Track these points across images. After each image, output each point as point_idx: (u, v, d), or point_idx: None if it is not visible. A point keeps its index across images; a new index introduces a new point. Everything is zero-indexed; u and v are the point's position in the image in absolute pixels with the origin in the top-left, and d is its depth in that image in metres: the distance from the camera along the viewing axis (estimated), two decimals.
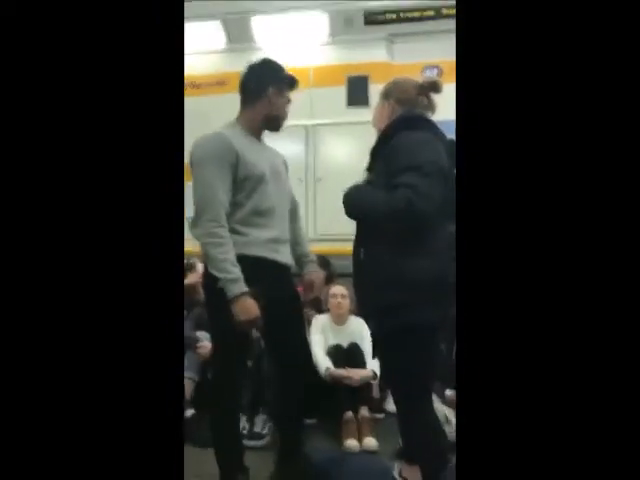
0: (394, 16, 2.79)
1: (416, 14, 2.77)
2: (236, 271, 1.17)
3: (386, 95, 1.22)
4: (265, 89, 1.27)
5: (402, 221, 1.02)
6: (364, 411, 1.86)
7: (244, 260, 1.18)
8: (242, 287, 1.16)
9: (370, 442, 1.71)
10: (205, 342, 1.97)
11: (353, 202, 1.12)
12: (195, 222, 1.21)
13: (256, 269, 1.19)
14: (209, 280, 1.21)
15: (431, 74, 2.84)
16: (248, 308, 1.16)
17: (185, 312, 2.17)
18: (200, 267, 2.32)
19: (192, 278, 2.29)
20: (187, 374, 1.95)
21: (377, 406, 1.99)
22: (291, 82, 1.32)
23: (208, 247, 1.18)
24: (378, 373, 1.87)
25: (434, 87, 1.19)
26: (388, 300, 1.06)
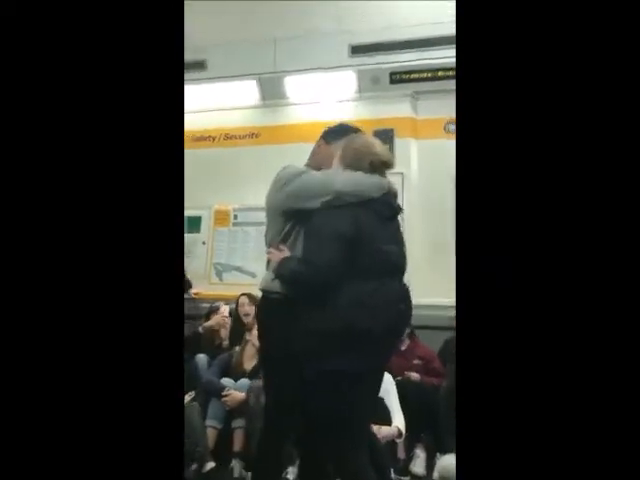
0: (417, 75, 2.95)
1: (438, 74, 2.91)
2: None
3: (343, 157, 1.27)
4: None
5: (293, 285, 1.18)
6: (389, 473, 1.73)
7: None
8: None
9: None
10: (232, 390, 1.92)
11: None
12: None
13: None
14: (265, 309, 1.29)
15: (453, 129, 2.94)
16: None
17: (208, 358, 2.15)
18: (224, 309, 2.33)
19: (215, 320, 2.28)
20: (211, 422, 1.89)
21: (403, 468, 1.86)
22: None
23: None
24: (404, 431, 1.76)
25: (385, 166, 1.28)
26: (304, 348, 1.14)
